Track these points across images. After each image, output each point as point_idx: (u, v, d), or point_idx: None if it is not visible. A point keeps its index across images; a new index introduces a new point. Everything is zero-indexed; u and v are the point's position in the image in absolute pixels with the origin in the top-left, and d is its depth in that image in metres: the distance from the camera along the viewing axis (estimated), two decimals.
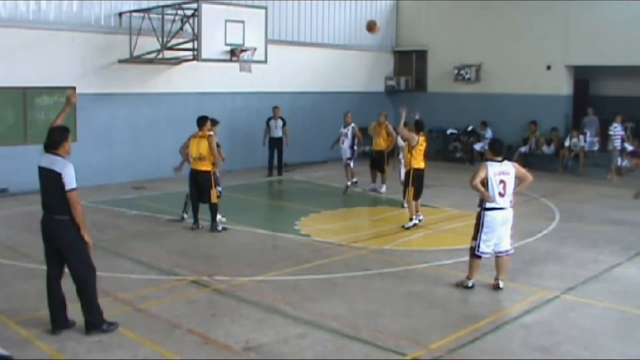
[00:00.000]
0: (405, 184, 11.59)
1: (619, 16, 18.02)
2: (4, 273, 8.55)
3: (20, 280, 8.26)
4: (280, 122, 16.96)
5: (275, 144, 17.10)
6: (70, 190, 6.26)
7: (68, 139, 6.49)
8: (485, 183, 7.77)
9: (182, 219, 11.62)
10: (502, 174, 7.80)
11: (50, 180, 6.31)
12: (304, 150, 19.12)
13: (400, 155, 13.08)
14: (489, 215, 7.83)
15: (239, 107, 18.02)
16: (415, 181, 11.37)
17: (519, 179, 7.97)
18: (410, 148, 11.40)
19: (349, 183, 14.90)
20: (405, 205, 12.13)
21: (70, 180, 6.26)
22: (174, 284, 8.23)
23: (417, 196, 11.44)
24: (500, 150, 8.00)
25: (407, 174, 11.54)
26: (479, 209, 7.97)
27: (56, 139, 6.44)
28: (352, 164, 15.02)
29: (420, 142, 11.44)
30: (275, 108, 16.99)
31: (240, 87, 17.66)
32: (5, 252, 9.49)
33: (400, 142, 12.99)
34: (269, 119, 16.99)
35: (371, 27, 11.24)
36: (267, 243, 10.48)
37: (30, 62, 14.15)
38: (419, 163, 11.43)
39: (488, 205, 7.81)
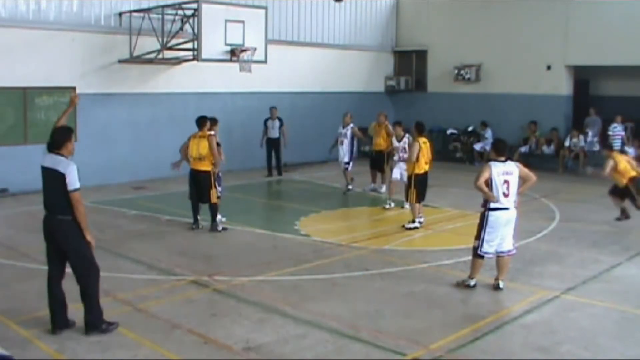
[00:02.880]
0: (408, 186, 11.53)
1: (619, 16, 18.02)
2: (4, 273, 8.55)
3: (20, 280, 8.27)
4: (277, 123, 16.87)
5: (273, 145, 17.01)
6: (73, 191, 6.26)
7: (71, 139, 6.51)
8: (489, 183, 7.78)
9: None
10: (505, 174, 7.81)
11: (54, 181, 6.31)
12: (304, 150, 19.12)
13: (396, 157, 12.98)
14: (492, 215, 7.84)
15: (239, 107, 18.02)
16: (418, 184, 11.32)
17: (522, 179, 7.98)
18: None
19: (349, 187, 14.83)
20: (406, 206, 12.18)
21: (73, 180, 6.27)
22: (174, 284, 8.23)
23: (419, 199, 11.42)
24: (504, 150, 8.01)
25: (409, 177, 11.44)
26: (482, 209, 7.97)
27: (60, 139, 6.44)
28: (350, 168, 14.87)
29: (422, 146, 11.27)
30: (272, 108, 16.93)
31: (240, 87, 17.66)
32: (5, 252, 9.49)
33: (395, 143, 12.95)
34: (267, 120, 16.93)
35: None
36: (267, 243, 10.48)
37: (30, 62, 14.15)
38: (419, 167, 11.30)
39: (492, 205, 7.81)
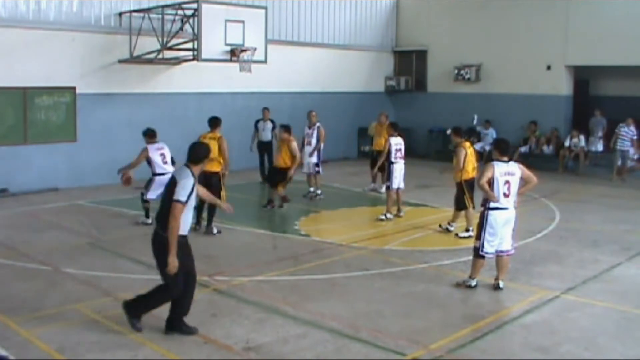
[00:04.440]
0: (461, 193, 10.85)
1: (619, 16, 18.02)
2: (4, 273, 8.55)
3: (20, 280, 8.27)
4: (269, 125, 15.86)
5: (265, 148, 16.05)
6: (175, 200, 6.11)
7: (206, 160, 6.64)
8: (491, 183, 7.78)
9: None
10: (507, 174, 7.82)
11: (168, 189, 6.30)
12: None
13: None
14: (492, 215, 7.84)
15: (239, 107, 17.99)
16: (470, 190, 10.79)
17: (524, 181, 7.99)
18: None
19: (318, 192, 14.07)
20: (386, 216, 11.96)
21: (181, 191, 6.12)
22: None
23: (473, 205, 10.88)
24: (507, 149, 8.03)
25: (459, 184, 10.84)
26: (482, 209, 7.98)
27: (200, 155, 6.51)
28: (320, 171, 14.15)
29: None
30: (264, 109, 16.09)
31: (240, 87, 17.65)
32: (5, 252, 9.49)
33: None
34: (258, 121, 16.02)
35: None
36: (267, 243, 10.48)
37: (30, 62, 14.14)
38: (467, 173, 10.80)
39: (492, 205, 7.82)
